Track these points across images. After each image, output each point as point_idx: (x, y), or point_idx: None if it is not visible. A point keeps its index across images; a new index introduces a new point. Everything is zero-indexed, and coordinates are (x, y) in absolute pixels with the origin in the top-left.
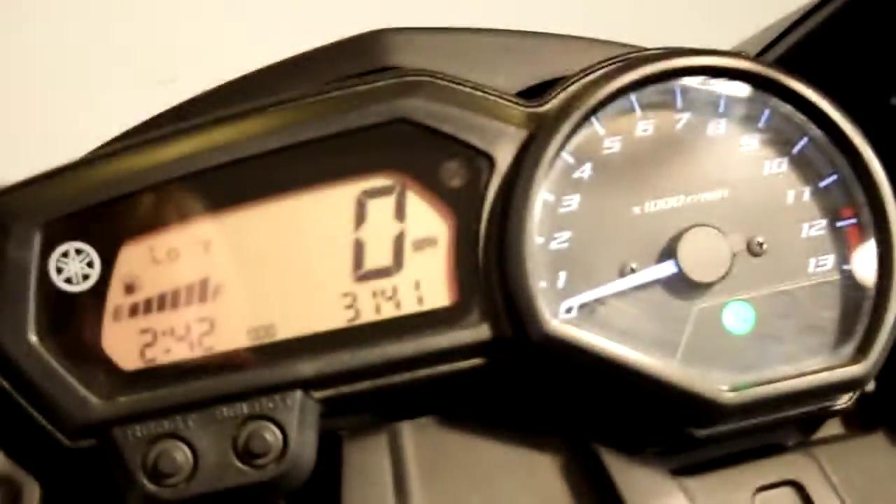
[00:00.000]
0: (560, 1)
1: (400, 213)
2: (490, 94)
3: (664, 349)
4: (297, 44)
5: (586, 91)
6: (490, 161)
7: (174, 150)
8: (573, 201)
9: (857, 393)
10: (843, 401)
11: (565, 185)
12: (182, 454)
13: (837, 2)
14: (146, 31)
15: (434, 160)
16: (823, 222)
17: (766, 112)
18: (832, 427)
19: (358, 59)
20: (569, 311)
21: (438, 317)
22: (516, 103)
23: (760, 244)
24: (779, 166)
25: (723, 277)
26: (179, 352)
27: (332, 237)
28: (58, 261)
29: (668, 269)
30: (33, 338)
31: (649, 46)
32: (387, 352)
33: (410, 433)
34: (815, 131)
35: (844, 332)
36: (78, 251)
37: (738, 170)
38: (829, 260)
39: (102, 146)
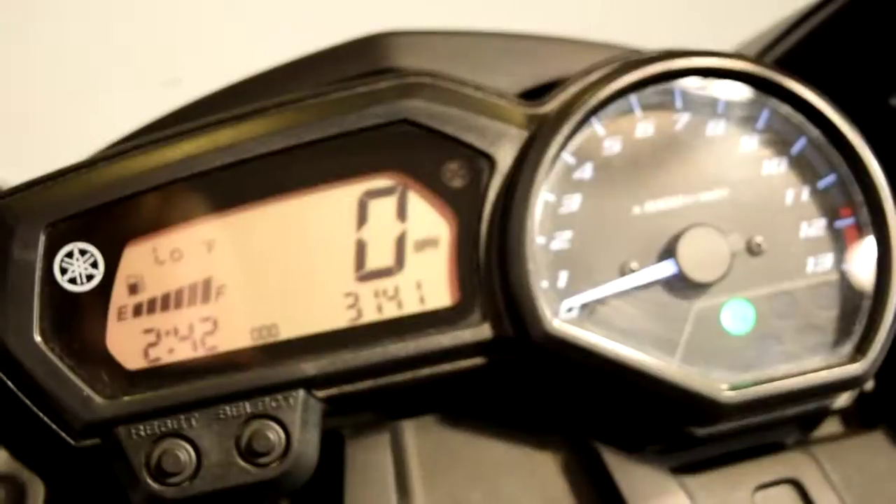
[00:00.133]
0: (560, 2)
1: (401, 213)
2: (491, 95)
3: (664, 348)
4: (299, 46)
5: (586, 92)
6: (491, 162)
7: (177, 151)
8: (574, 201)
9: (856, 392)
10: (842, 399)
11: (566, 185)
12: (185, 453)
13: (836, 3)
14: (150, 34)
15: (435, 161)
16: (822, 222)
17: (765, 113)
18: (831, 426)
19: (360, 61)
20: (569, 310)
21: (440, 316)
22: (517, 104)
23: (759, 244)
24: (777, 166)
25: (722, 277)
26: (183, 351)
27: (334, 237)
28: (62, 261)
29: (667, 268)
30: (38, 337)
31: (649, 48)
32: (389, 351)
33: (412, 432)
34: (814, 132)
35: (843, 332)
36: (82, 252)
37: (737, 170)
38: (828, 259)
39: (106, 148)
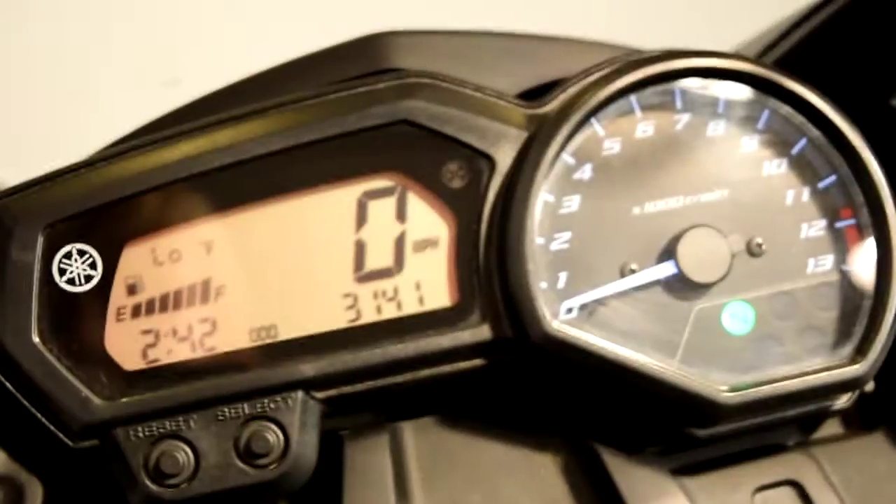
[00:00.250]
0: (560, 2)
1: (401, 214)
2: (491, 95)
3: (664, 350)
4: (299, 46)
5: (586, 92)
6: (491, 162)
7: (176, 151)
8: (573, 202)
9: (857, 393)
10: (843, 401)
11: (565, 185)
12: (184, 454)
13: (837, 3)
14: (149, 34)
15: (435, 161)
16: (822, 223)
17: (766, 113)
18: (832, 427)
19: (360, 61)
20: (569, 311)
21: (439, 317)
22: (517, 105)
23: (760, 245)
24: (778, 167)
25: (722, 278)
26: (181, 352)
27: (333, 238)
28: (61, 262)
29: (667, 269)
30: (36, 338)
31: (649, 48)
32: (388, 352)
33: (411, 433)
34: (814, 132)
35: (843, 333)
36: (81, 252)
37: (737, 171)
38: (829, 260)
39: (105, 148)
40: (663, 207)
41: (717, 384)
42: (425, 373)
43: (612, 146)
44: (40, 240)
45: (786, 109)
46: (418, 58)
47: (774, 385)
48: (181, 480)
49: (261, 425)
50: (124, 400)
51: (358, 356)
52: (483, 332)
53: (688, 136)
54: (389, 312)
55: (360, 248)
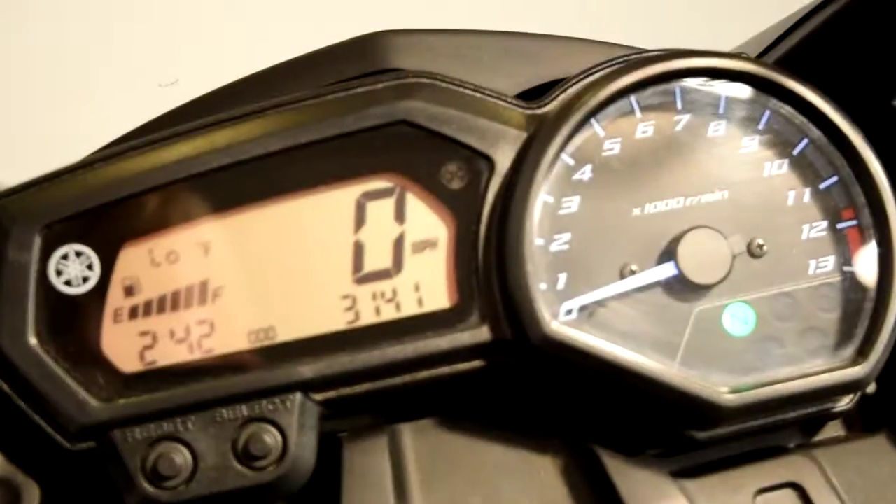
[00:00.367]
0: (560, 3)
1: (400, 215)
2: (490, 96)
3: (664, 351)
4: (297, 46)
5: (586, 93)
6: (490, 163)
7: (174, 152)
8: (573, 203)
9: (858, 395)
10: (844, 403)
11: (565, 186)
12: (181, 456)
13: (838, 3)
14: (148, 35)
15: (434, 162)
16: (824, 224)
17: (767, 113)
18: (833, 429)
19: (358, 61)
20: (569, 312)
21: (438, 319)
22: (516, 105)
23: (761, 246)
24: (779, 168)
25: (723, 279)
26: (179, 354)
27: (331, 239)
28: (57, 263)
29: (668, 270)
30: (33, 340)
31: (649, 48)
32: (387, 354)
33: (410, 435)
34: (816, 133)
35: (845, 334)
36: (78, 253)
37: (738, 171)
38: (830, 261)
39: (102, 149)
40: (663, 208)
41: (718, 386)
42: (424, 374)
43: (612, 147)
44: (37, 241)
45: (787, 110)
46: (417, 58)
47: (775, 387)
48: (179, 482)
49: (259, 427)
50: (121, 402)
51: (357, 358)
52: (482, 334)
53: (688, 136)
54: (388, 314)
55: (358, 250)
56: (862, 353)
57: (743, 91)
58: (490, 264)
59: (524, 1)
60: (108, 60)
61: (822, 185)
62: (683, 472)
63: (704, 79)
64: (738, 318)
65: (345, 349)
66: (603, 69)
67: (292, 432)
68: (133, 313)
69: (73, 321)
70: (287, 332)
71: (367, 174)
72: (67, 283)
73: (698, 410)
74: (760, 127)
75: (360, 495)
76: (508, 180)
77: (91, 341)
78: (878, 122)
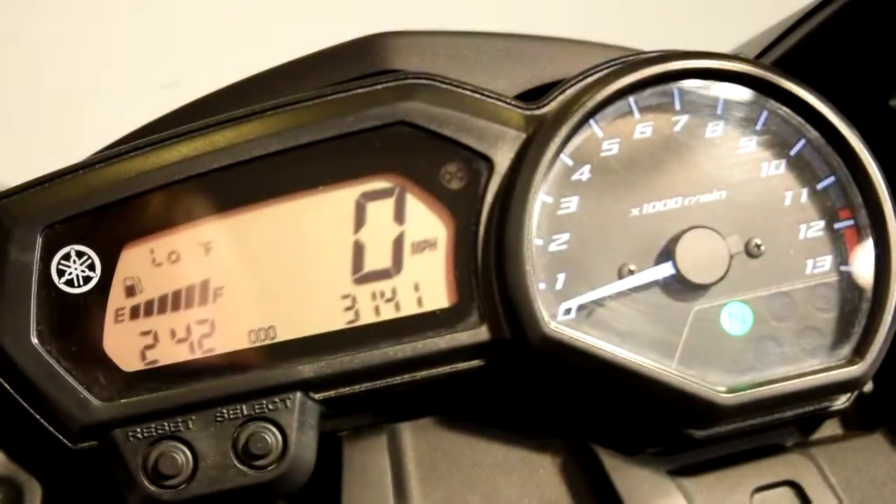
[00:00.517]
0: (559, 3)
1: (399, 215)
2: (489, 96)
3: (662, 350)
4: (298, 47)
5: (585, 93)
6: (489, 163)
7: (175, 153)
8: (572, 203)
9: (855, 393)
10: (842, 401)
11: (564, 187)
12: (182, 455)
13: (836, 4)
14: (148, 36)
15: (433, 163)
16: (821, 224)
17: (764, 114)
18: (831, 428)
19: (358, 63)
20: (567, 312)
21: (437, 318)
22: (515, 106)
23: (758, 246)
24: (776, 168)
25: (721, 279)
26: (180, 354)
27: (331, 239)
28: (59, 263)
29: (666, 270)
30: (35, 340)
31: (648, 49)
32: (386, 353)
33: (410, 434)
34: (813, 133)
35: (842, 333)
36: (79, 254)
37: (735, 172)
38: (827, 261)
39: (104, 149)
40: (662, 208)
41: (716, 385)
42: (423, 374)
43: (610, 147)
44: (39, 241)
45: (784, 110)
46: (417, 59)
47: (773, 386)
48: (180, 481)
49: (259, 426)
50: (123, 401)
51: (356, 357)
52: (481, 334)
53: (686, 137)
54: (388, 313)
55: (358, 250)
56: (859, 353)
57: (741, 92)
58: (489, 264)
59: (524, 1)
60: (109, 61)
61: (820, 186)
62: (681, 471)
63: (702, 80)
64: (735, 318)
65: (345, 349)
66: (601, 70)
67: (292, 431)
68: (134, 313)
69: (75, 321)
70: (287, 331)
71: (366, 175)
72: (69, 283)
73: (696, 409)
74: (758, 128)
75: (360, 494)
76: (507, 181)
77: (93, 341)
78: (875, 123)
